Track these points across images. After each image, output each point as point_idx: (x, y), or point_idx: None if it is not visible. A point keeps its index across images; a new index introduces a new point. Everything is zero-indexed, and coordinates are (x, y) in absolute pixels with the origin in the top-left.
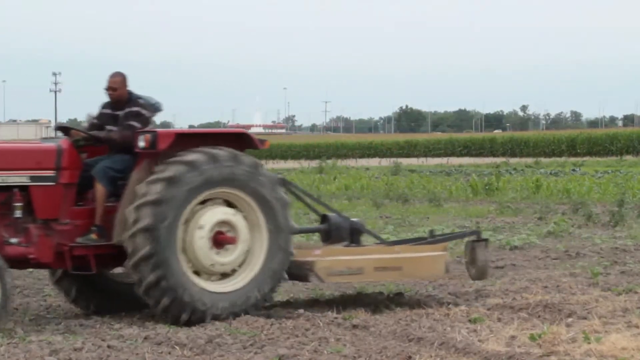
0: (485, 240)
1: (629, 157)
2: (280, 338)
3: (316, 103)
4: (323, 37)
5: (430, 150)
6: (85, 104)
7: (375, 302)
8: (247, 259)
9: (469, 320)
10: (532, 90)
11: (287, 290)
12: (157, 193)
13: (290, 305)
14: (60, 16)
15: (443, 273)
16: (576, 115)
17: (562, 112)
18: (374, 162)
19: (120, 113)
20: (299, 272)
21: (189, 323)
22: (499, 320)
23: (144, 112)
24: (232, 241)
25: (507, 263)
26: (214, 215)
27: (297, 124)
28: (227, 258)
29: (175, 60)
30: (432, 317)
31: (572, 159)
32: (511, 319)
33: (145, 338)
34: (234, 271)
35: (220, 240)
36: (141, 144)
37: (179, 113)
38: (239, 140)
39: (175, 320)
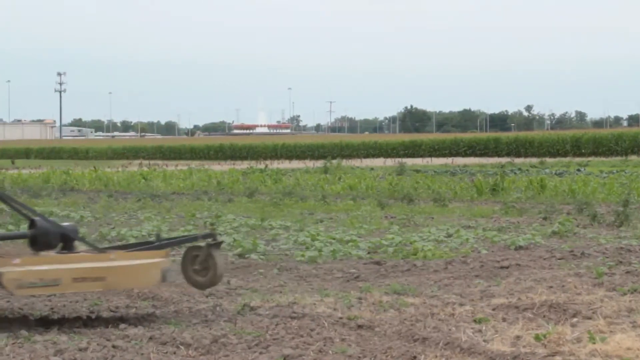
0: (221, 242)
1: (633, 157)
2: (285, 338)
3: (321, 103)
4: (328, 37)
5: (435, 150)
6: (89, 103)
7: (380, 302)
8: None
9: (474, 320)
10: (536, 90)
11: (292, 290)
12: None
13: (295, 305)
14: (65, 16)
15: (157, 282)
16: (581, 115)
17: (566, 112)
18: (378, 162)
19: None
20: None
21: None
22: (504, 320)
23: None
24: None
25: (512, 263)
26: None
27: (301, 124)
28: None
29: (180, 61)
30: (437, 317)
31: (577, 159)
32: (516, 319)
33: (151, 338)
34: None
35: None
36: None
37: (183, 113)
38: None
39: None
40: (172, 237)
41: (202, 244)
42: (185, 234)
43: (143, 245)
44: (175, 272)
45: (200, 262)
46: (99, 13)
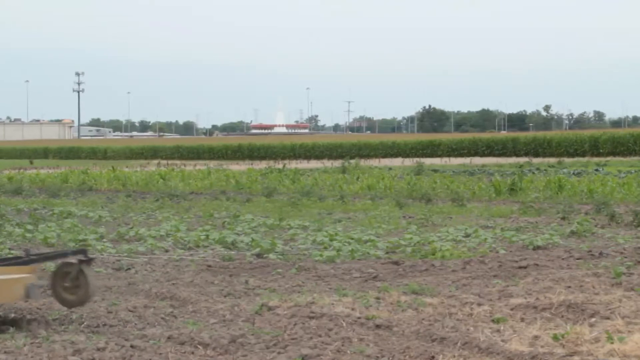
0: (92, 259)
1: None
2: (304, 338)
3: (339, 103)
4: (346, 37)
5: (453, 150)
6: (108, 103)
7: (398, 302)
8: None
9: (492, 320)
10: (555, 90)
11: (310, 290)
12: None
13: (314, 304)
14: (83, 16)
15: (20, 298)
16: (599, 115)
17: (585, 112)
18: (397, 162)
19: None
20: None
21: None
22: (522, 320)
23: None
24: None
25: (530, 263)
26: None
27: (320, 123)
28: None
29: (198, 61)
30: (456, 317)
31: (595, 159)
32: (534, 318)
33: (169, 338)
34: None
35: None
36: None
37: (202, 113)
38: None
39: None
40: (41, 253)
41: (73, 260)
42: (56, 249)
43: (10, 261)
44: (40, 288)
45: (71, 279)
46: (117, 13)
